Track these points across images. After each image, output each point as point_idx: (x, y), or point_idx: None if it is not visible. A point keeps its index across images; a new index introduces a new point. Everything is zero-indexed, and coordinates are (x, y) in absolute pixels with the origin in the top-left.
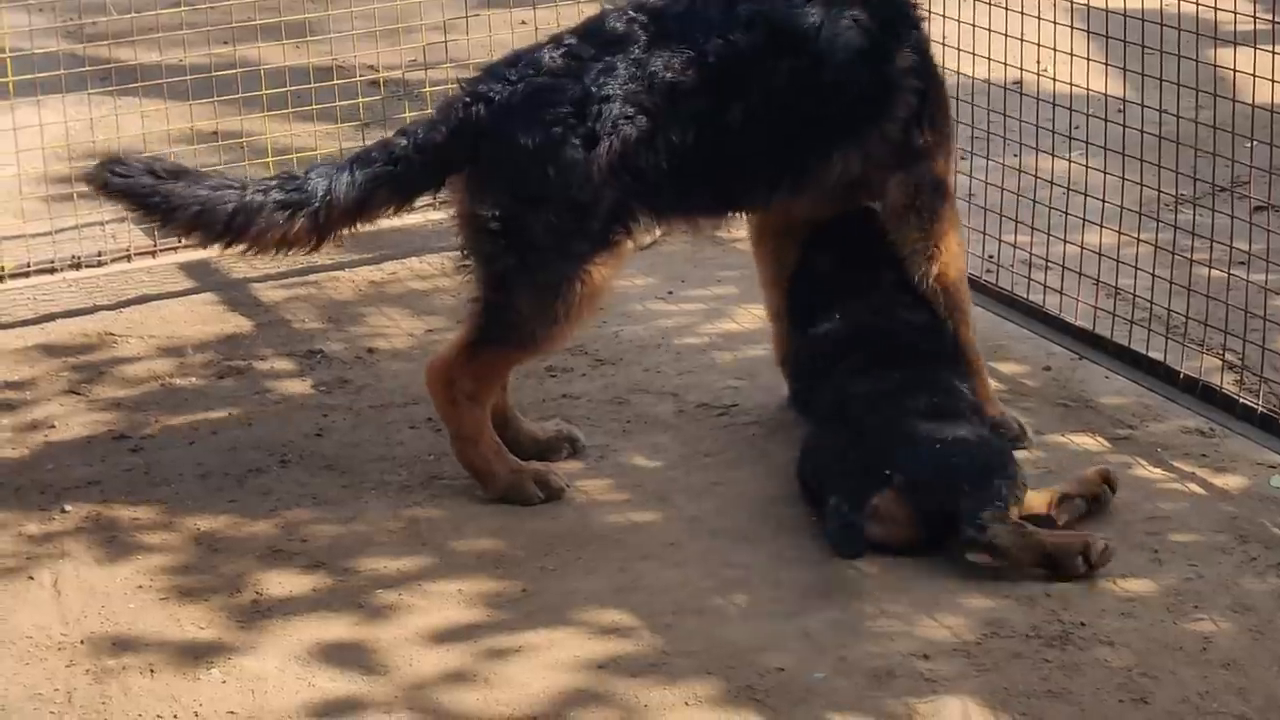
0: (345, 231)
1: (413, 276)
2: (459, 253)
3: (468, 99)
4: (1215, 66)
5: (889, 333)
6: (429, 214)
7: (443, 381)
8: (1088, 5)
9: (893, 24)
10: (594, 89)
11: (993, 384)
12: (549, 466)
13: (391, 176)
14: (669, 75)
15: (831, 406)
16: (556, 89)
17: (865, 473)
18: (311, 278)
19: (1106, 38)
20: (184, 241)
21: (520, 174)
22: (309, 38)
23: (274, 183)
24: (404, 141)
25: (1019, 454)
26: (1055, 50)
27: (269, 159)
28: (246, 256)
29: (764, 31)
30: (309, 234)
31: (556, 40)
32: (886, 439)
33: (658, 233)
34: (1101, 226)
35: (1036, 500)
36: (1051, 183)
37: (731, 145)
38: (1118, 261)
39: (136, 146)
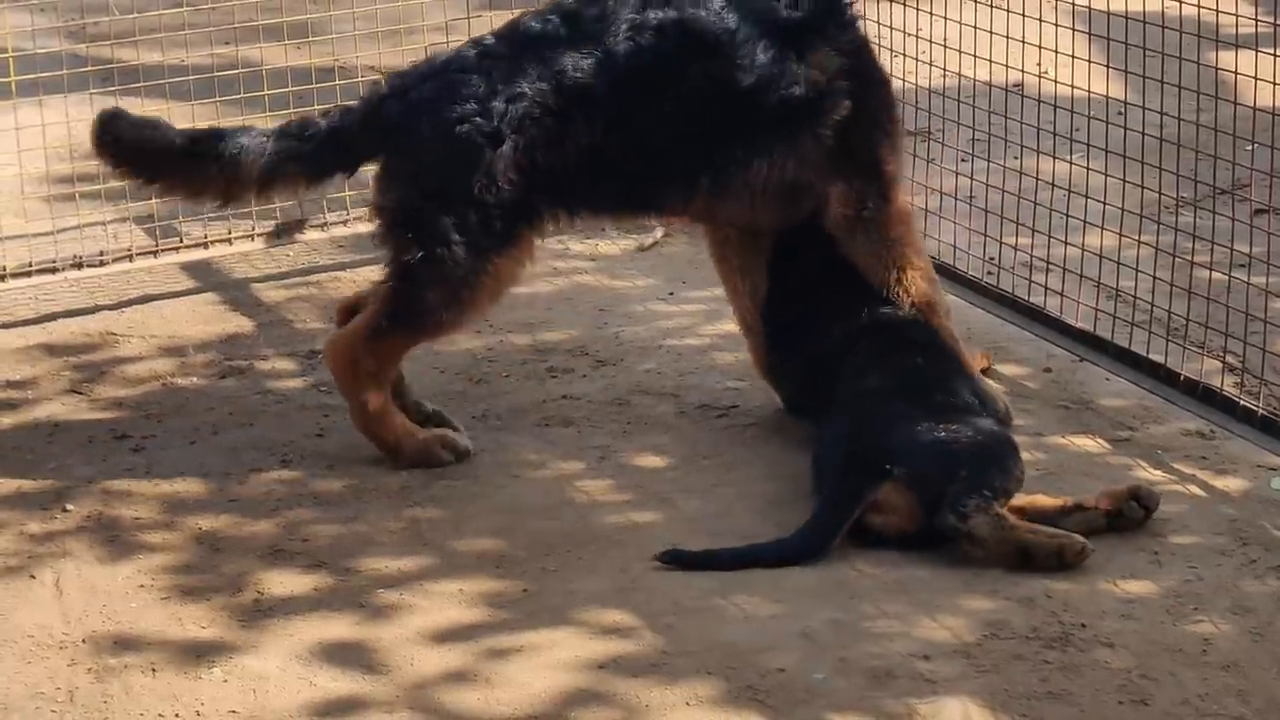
0: (256, 196)
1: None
2: (371, 239)
3: (385, 91)
4: (1216, 69)
5: (881, 329)
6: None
7: (347, 359)
8: (1088, 7)
9: (820, 25)
10: (500, 87)
11: (994, 386)
12: (453, 430)
13: (302, 154)
14: (578, 75)
15: (835, 405)
16: (465, 85)
17: (865, 467)
18: (313, 278)
19: (1107, 40)
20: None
21: (424, 168)
22: (311, 38)
23: (201, 133)
24: (321, 123)
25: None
26: (1055, 52)
27: None
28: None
29: (674, 34)
30: (217, 187)
31: (477, 41)
32: (887, 431)
33: (659, 234)
34: (1102, 229)
35: (1047, 501)
36: (1052, 185)
37: (642, 146)
38: (1118, 264)
39: None
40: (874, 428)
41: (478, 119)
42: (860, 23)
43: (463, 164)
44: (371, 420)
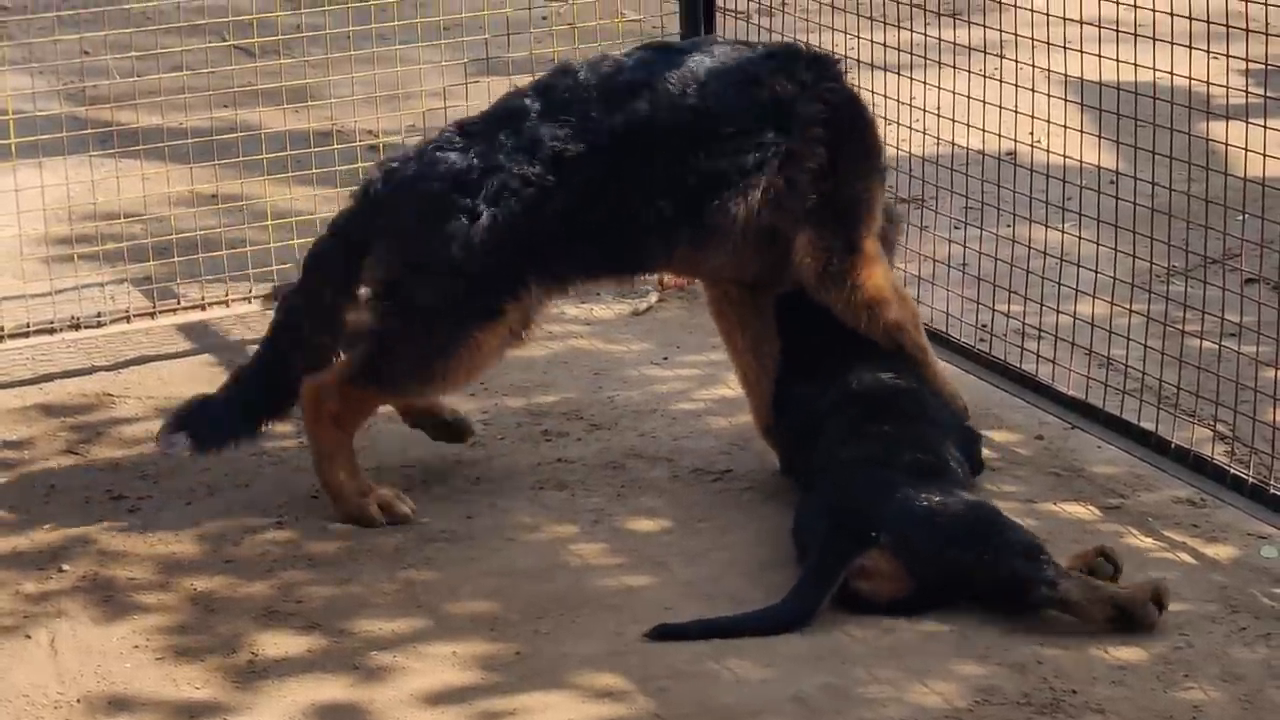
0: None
1: None
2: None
3: (374, 176)
4: (1207, 140)
5: (870, 394)
6: None
7: (313, 400)
8: (1080, 78)
9: (796, 75)
10: (477, 162)
11: (986, 453)
12: (397, 493)
13: (329, 275)
14: (553, 145)
15: (819, 470)
16: (443, 162)
17: (852, 533)
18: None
19: (1099, 110)
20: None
21: (407, 243)
22: (309, 103)
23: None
24: (328, 235)
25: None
26: (1049, 122)
27: (268, 222)
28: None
29: (645, 94)
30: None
31: (460, 121)
32: (873, 497)
33: (653, 299)
34: (1094, 297)
35: None
36: (1045, 253)
37: (620, 207)
38: (1110, 332)
39: (137, 209)
40: (857, 493)
41: (455, 194)
42: (845, 75)
43: (441, 237)
44: (322, 460)
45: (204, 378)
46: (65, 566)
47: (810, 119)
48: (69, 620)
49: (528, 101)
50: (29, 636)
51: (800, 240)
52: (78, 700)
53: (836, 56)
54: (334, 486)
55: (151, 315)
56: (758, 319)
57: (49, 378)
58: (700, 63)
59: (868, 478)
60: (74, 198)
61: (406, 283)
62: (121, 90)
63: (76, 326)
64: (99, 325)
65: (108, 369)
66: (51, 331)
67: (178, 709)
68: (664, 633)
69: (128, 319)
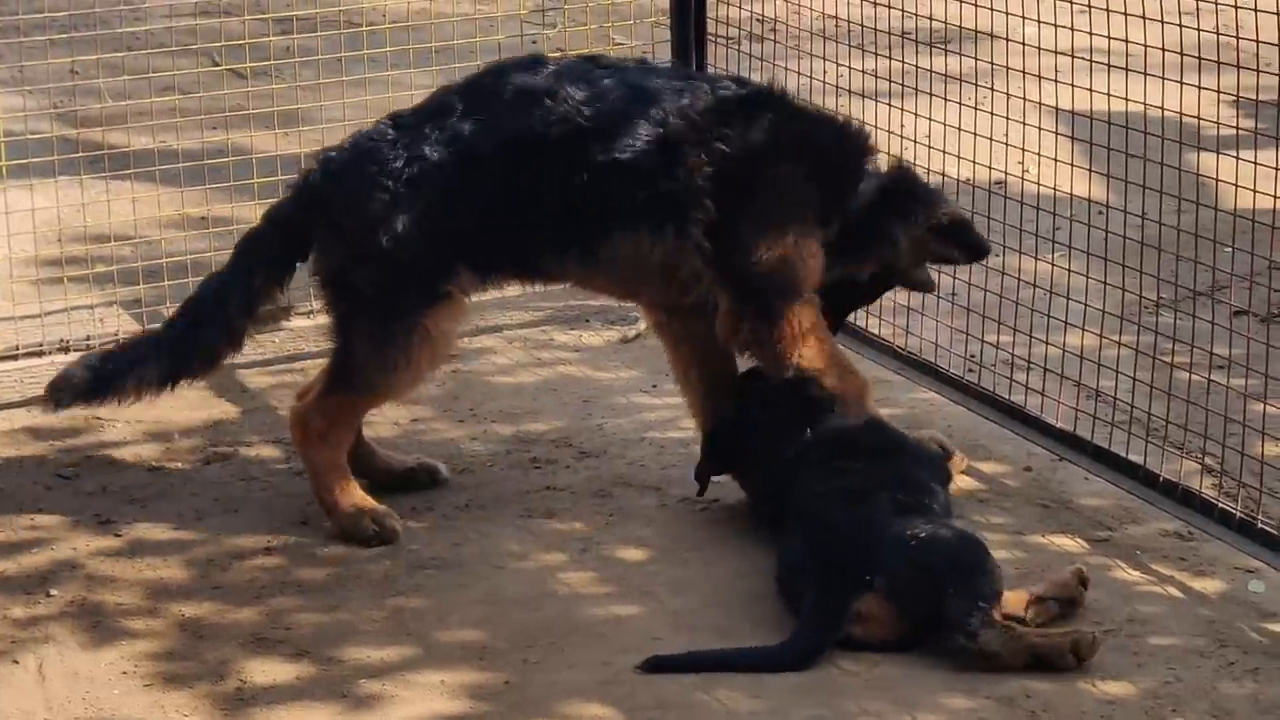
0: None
1: None
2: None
3: (312, 166)
4: (1197, 175)
5: (839, 433)
6: None
7: (300, 421)
8: (1072, 110)
9: (716, 118)
10: (403, 151)
11: (972, 484)
12: (389, 510)
13: (263, 259)
14: (469, 140)
15: (800, 514)
16: (375, 151)
17: (844, 578)
18: (298, 364)
19: (1089, 142)
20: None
21: (343, 231)
22: (300, 126)
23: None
24: (263, 223)
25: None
26: (1039, 155)
27: None
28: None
29: (546, 106)
30: (233, 350)
31: (394, 114)
32: (863, 542)
33: (642, 326)
34: (1083, 329)
35: (1012, 600)
36: (1034, 284)
37: (522, 211)
38: (1098, 364)
39: (127, 231)
40: (846, 535)
41: (383, 179)
42: (778, 124)
43: (373, 224)
44: (317, 479)
45: (192, 400)
46: (53, 591)
47: (698, 167)
48: (57, 646)
49: (455, 98)
50: (16, 662)
51: (720, 300)
52: None
53: (783, 98)
54: (329, 503)
55: None
56: (695, 343)
57: (37, 401)
58: (617, 84)
59: (853, 518)
60: (64, 219)
61: (349, 271)
62: (112, 112)
63: (66, 349)
64: (88, 348)
65: None
66: (40, 354)
67: None
68: (657, 664)
69: (117, 342)
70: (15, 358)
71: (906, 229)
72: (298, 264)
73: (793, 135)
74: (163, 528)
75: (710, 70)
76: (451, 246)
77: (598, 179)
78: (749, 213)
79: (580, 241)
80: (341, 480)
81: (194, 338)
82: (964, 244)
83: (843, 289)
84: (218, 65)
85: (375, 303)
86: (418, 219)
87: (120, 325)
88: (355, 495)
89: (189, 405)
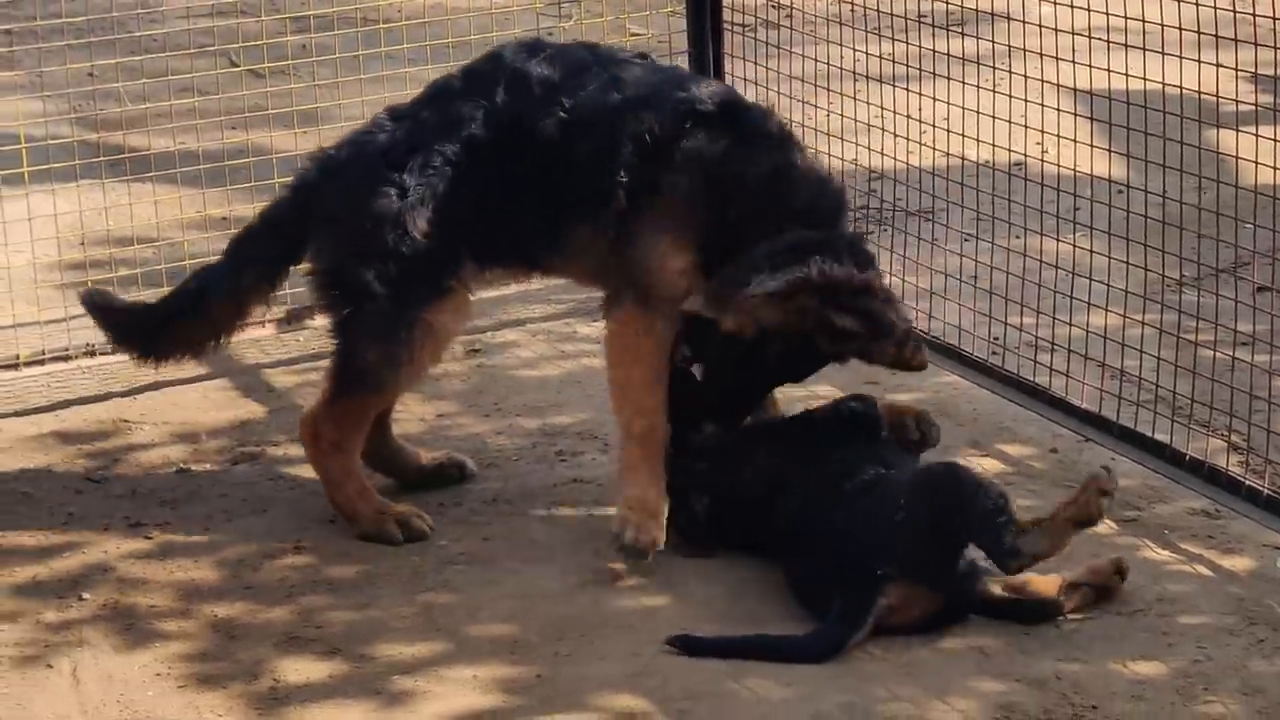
0: (242, 321)
1: None
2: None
3: (308, 162)
4: (1217, 152)
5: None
6: None
7: (310, 432)
8: (1089, 90)
9: (647, 128)
10: (404, 141)
11: (999, 466)
12: (415, 510)
13: (254, 258)
14: (468, 128)
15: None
16: (373, 144)
17: (860, 579)
18: (324, 363)
19: (1108, 121)
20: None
21: (342, 227)
22: (320, 125)
23: (167, 304)
24: (257, 221)
25: None
26: (1058, 136)
27: None
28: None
29: (536, 94)
30: (208, 339)
31: (392, 106)
32: (861, 534)
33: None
34: (1106, 309)
35: (1045, 585)
36: (1055, 265)
37: (514, 201)
38: (1122, 344)
39: (149, 233)
40: (847, 535)
41: (384, 171)
42: (706, 142)
43: (374, 217)
44: (332, 487)
45: (219, 401)
46: (85, 595)
47: (643, 169)
48: (90, 649)
49: (454, 84)
50: (50, 666)
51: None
52: None
53: (754, 127)
54: (349, 510)
55: None
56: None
57: (65, 404)
58: (596, 78)
59: (844, 516)
60: (86, 223)
61: (349, 268)
62: (132, 115)
63: (92, 353)
64: (114, 352)
65: (123, 395)
66: (67, 359)
67: None
68: (685, 644)
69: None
70: (42, 362)
71: (782, 282)
72: (291, 266)
73: (721, 155)
74: (193, 529)
75: (726, 61)
76: (455, 238)
77: (567, 173)
78: (639, 211)
79: (551, 233)
80: (358, 487)
81: (169, 323)
82: (863, 315)
83: (742, 355)
84: (236, 66)
85: (374, 297)
86: (422, 210)
87: None
88: (375, 501)
89: (216, 406)
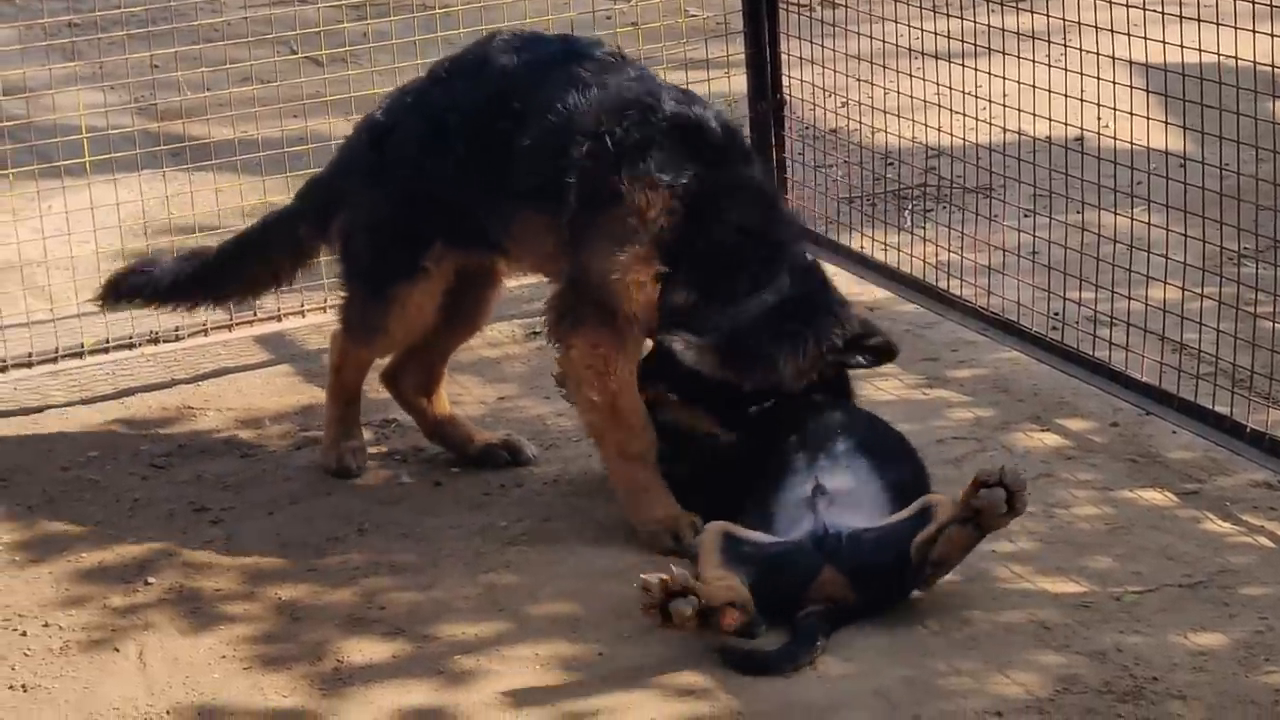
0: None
1: (484, 344)
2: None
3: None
4: (1275, 123)
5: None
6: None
7: (332, 346)
8: (1146, 63)
9: (602, 132)
10: (391, 121)
11: (1059, 441)
12: (360, 446)
13: (304, 213)
14: (439, 113)
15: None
16: (373, 122)
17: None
18: None
19: (1166, 95)
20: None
21: (344, 199)
22: None
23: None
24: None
25: None
26: (1115, 109)
27: None
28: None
29: (493, 89)
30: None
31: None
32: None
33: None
34: (1165, 283)
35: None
36: (1114, 240)
37: (475, 185)
38: (1182, 317)
39: (211, 221)
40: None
41: (372, 152)
42: (657, 154)
43: (364, 193)
44: (327, 402)
45: (282, 388)
46: (151, 579)
47: (587, 174)
48: (156, 632)
49: (440, 70)
50: (117, 650)
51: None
52: (167, 712)
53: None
54: (324, 435)
55: (229, 328)
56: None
57: (129, 392)
58: (558, 76)
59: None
60: (148, 212)
61: (347, 236)
62: (192, 104)
63: (155, 341)
64: (177, 339)
65: (187, 382)
66: (131, 346)
67: (266, 717)
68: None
69: (205, 332)
70: (106, 350)
71: (793, 353)
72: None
73: (684, 171)
74: (257, 513)
75: (782, 40)
76: (426, 217)
77: (520, 166)
78: (594, 219)
79: (503, 225)
80: (338, 418)
81: (203, 277)
82: (869, 350)
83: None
84: (295, 54)
85: (361, 266)
86: (401, 190)
87: (208, 316)
88: (349, 431)
89: (278, 391)
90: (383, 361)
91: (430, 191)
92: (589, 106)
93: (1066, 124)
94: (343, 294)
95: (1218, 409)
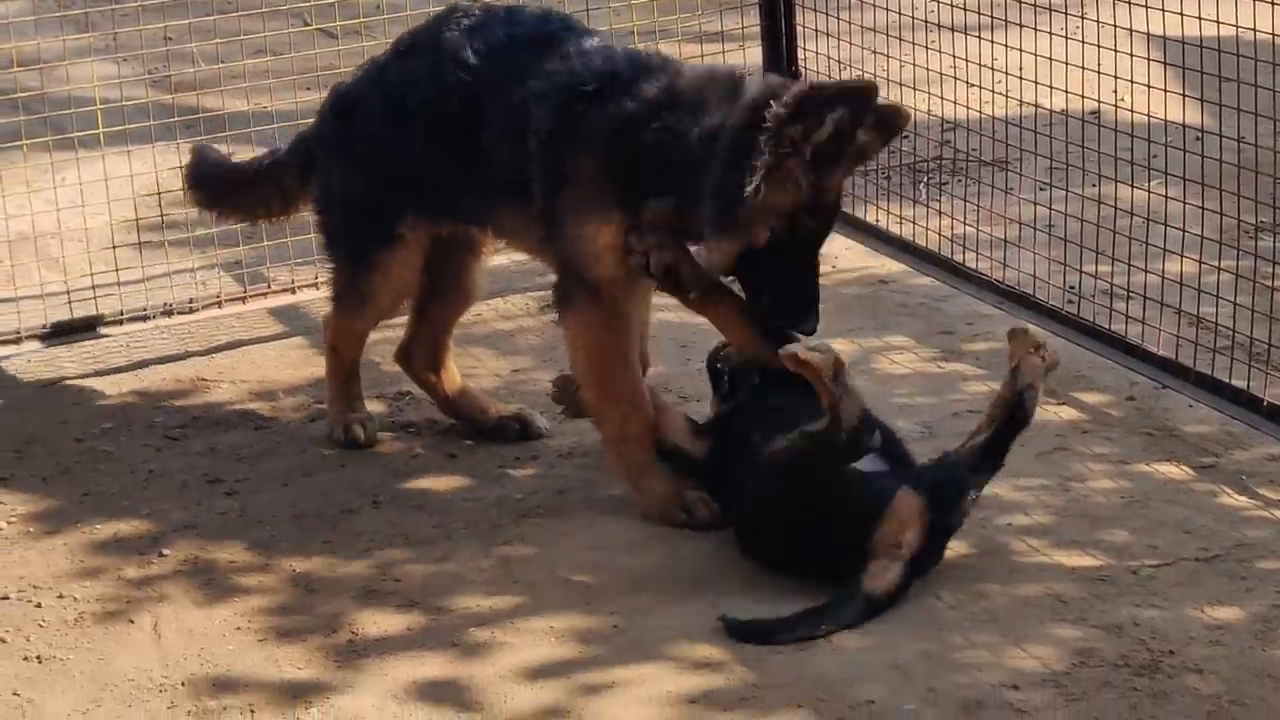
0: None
1: (498, 317)
2: None
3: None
4: None
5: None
6: (513, 255)
7: (325, 326)
8: (1163, 35)
9: (581, 114)
10: (358, 93)
11: (1075, 414)
12: (366, 416)
13: (290, 166)
14: (403, 88)
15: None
16: (344, 93)
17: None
18: (398, 320)
19: (1183, 67)
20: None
21: (317, 166)
22: None
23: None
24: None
25: None
26: (1131, 81)
27: None
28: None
29: (459, 65)
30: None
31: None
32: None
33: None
34: (1182, 255)
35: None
36: (1131, 212)
37: (447, 161)
38: (1199, 290)
39: None
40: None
41: (337, 122)
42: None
43: (335, 162)
44: (327, 375)
45: (296, 360)
46: (166, 551)
47: (536, 136)
48: (171, 604)
49: (400, 44)
50: (132, 621)
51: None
52: (182, 683)
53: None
54: (327, 407)
55: (243, 300)
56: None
57: (144, 364)
58: (534, 46)
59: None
60: (162, 184)
61: (322, 208)
62: (206, 76)
63: (170, 313)
64: (191, 311)
65: (201, 354)
66: (145, 319)
67: (280, 689)
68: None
69: (219, 304)
70: (120, 322)
71: (766, 156)
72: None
73: (615, 125)
74: (271, 485)
75: (797, 12)
76: (396, 188)
77: (492, 145)
78: (561, 194)
79: (482, 203)
80: (337, 389)
81: (239, 185)
82: (876, 122)
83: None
84: (308, 25)
85: (338, 234)
86: (369, 161)
87: (222, 288)
88: (350, 404)
89: (292, 364)
90: (394, 341)
91: (397, 167)
92: (536, 96)
93: (1083, 96)
94: (329, 268)
95: (1234, 382)
